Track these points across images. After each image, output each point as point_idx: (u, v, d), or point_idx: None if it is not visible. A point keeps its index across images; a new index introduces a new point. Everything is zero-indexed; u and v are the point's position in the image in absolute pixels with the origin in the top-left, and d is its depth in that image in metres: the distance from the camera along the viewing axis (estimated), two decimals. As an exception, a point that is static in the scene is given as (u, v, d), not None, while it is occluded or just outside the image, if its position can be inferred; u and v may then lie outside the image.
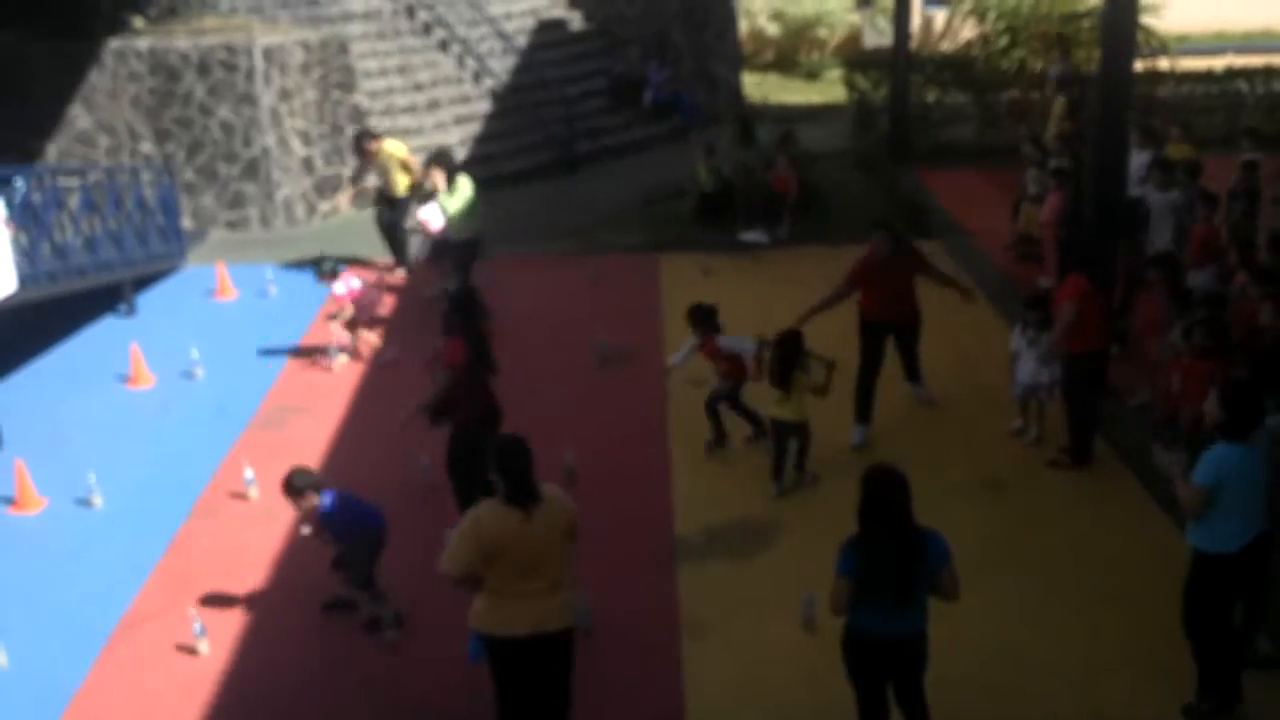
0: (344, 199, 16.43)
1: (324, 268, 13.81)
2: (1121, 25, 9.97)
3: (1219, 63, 19.86)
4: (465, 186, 12.14)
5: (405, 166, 13.77)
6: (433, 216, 12.80)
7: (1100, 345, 9.12)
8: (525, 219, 15.97)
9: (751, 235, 14.76)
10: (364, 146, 13.77)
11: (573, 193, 17.23)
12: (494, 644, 5.79)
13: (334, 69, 16.64)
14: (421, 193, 13.29)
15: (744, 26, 25.35)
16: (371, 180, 14.53)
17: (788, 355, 8.79)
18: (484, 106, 18.55)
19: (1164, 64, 18.10)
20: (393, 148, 13.89)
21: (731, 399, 9.49)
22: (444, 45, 19.09)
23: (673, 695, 6.79)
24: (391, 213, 13.91)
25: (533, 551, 5.64)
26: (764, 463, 9.26)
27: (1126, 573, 7.75)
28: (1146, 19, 15.70)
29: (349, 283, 12.20)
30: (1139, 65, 13.57)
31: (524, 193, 17.19)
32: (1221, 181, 12.90)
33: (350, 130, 16.34)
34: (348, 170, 16.11)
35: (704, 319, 9.47)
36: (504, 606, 5.70)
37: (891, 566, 5.48)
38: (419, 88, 18.37)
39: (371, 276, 13.48)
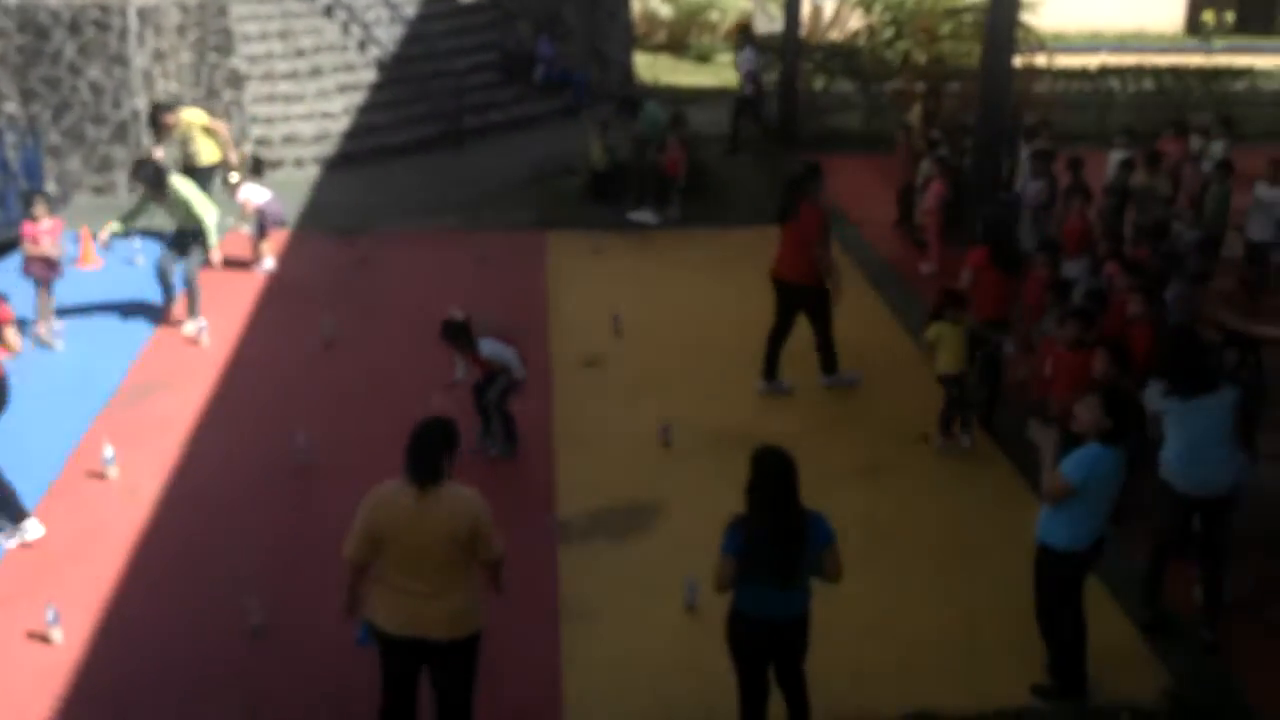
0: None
1: (229, 180, 13.34)
2: (1002, 22, 10.18)
3: (1093, 61, 20.37)
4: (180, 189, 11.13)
5: (207, 133, 13.24)
6: (254, 194, 12.72)
7: (992, 317, 9.33)
8: (410, 193, 15.67)
9: (641, 215, 14.69)
10: (161, 120, 13.13)
11: (459, 167, 16.94)
12: (379, 636, 5.56)
13: (211, 31, 16.05)
14: (247, 166, 13.16)
15: (637, 7, 25.29)
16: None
17: None
18: (369, 76, 18.12)
19: (1041, 60, 18.48)
20: (192, 116, 13.34)
21: (497, 400, 9.03)
22: (329, 11, 18.57)
23: (550, 679, 6.68)
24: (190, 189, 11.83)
25: (419, 545, 5.35)
26: (652, 445, 9.20)
27: (1001, 555, 7.86)
28: (1025, 16, 16.01)
29: (256, 193, 12.27)
30: (1017, 61, 13.82)
31: (409, 166, 16.87)
32: (1092, 176, 13.23)
33: (226, 95, 15.82)
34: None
35: (457, 336, 8.89)
36: (385, 597, 5.48)
37: (775, 548, 5.49)
38: (301, 53, 17.86)
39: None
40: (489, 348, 8.87)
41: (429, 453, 5.44)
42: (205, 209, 11.15)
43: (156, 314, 11.52)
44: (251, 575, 7.53)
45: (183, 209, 11.05)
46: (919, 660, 6.91)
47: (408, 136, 17.63)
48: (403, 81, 18.21)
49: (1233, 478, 6.90)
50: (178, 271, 11.22)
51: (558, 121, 19.08)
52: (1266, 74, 20.23)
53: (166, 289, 11.34)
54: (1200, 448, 6.83)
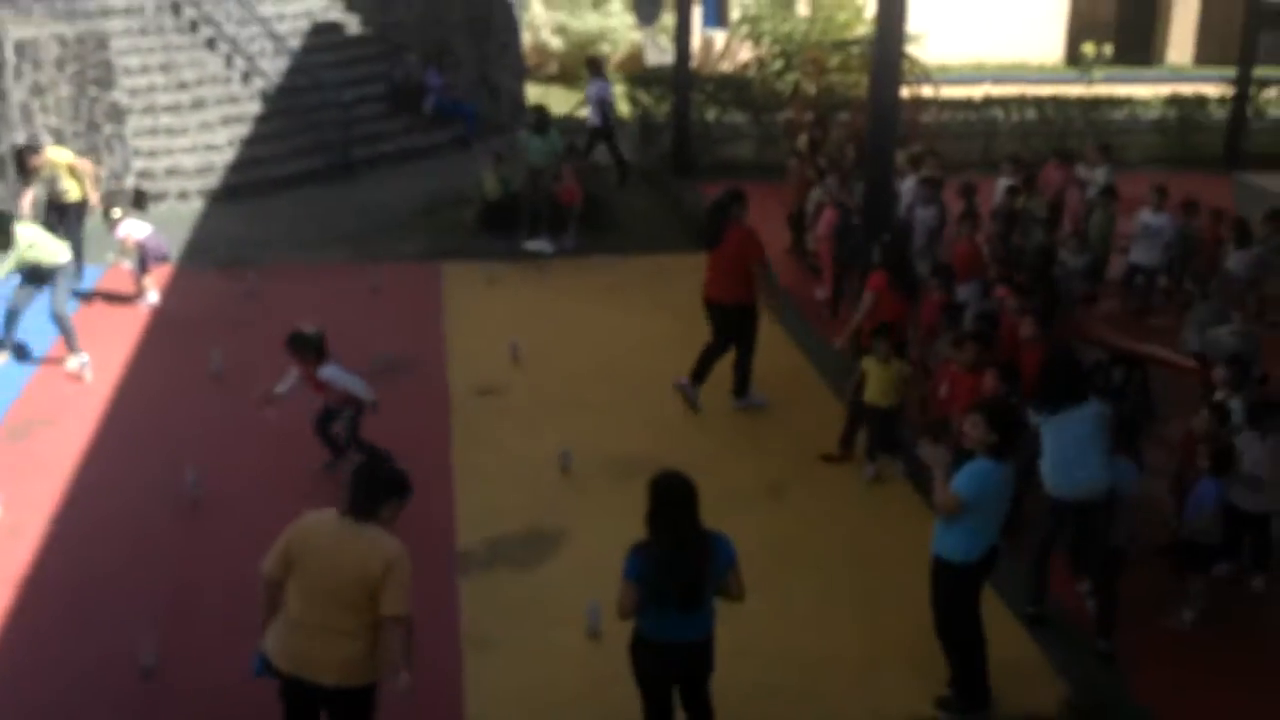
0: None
1: (110, 215, 12.89)
2: (888, 54, 10.38)
3: (977, 92, 20.91)
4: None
5: (73, 171, 12.91)
6: (135, 229, 12.45)
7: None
8: (299, 225, 15.41)
9: (537, 245, 14.64)
10: (28, 163, 12.76)
11: (349, 199, 16.70)
12: (267, 665, 5.34)
13: (91, 64, 15.62)
14: (128, 200, 12.91)
15: (528, 39, 25.29)
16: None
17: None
18: (254, 108, 17.81)
19: (928, 91, 18.93)
20: (56, 155, 13.00)
21: (350, 435, 8.84)
22: (211, 43, 18.25)
23: (453, 709, 6.54)
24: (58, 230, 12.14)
25: (328, 577, 5.10)
26: (552, 472, 9.13)
27: (901, 571, 7.91)
28: (910, 49, 16.40)
29: (137, 228, 12.05)
30: (904, 92, 14.14)
31: (297, 198, 16.60)
32: (983, 203, 13.58)
33: (107, 129, 15.42)
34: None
35: (301, 347, 8.70)
36: (280, 630, 5.27)
37: (678, 571, 5.46)
38: (183, 86, 17.51)
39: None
40: (331, 372, 8.66)
41: (374, 490, 5.26)
42: (51, 251, 10.77)
43: (40, 351, 11.11)
44: (141, 614, 7.29)
45: (35, 252, 10.66)
46: (824, 678, 6.92)
47: (295, 168, 17.34)
48: (288, 113, 17.94)
49: (1102, 484, 7.12)
50: (48, 311, 10.82)
51: (449, 152, 18.95)
52: (1144, 103, 20.97)
53: (10, 323, 10.91)
54: (1069, 455, 7.13)
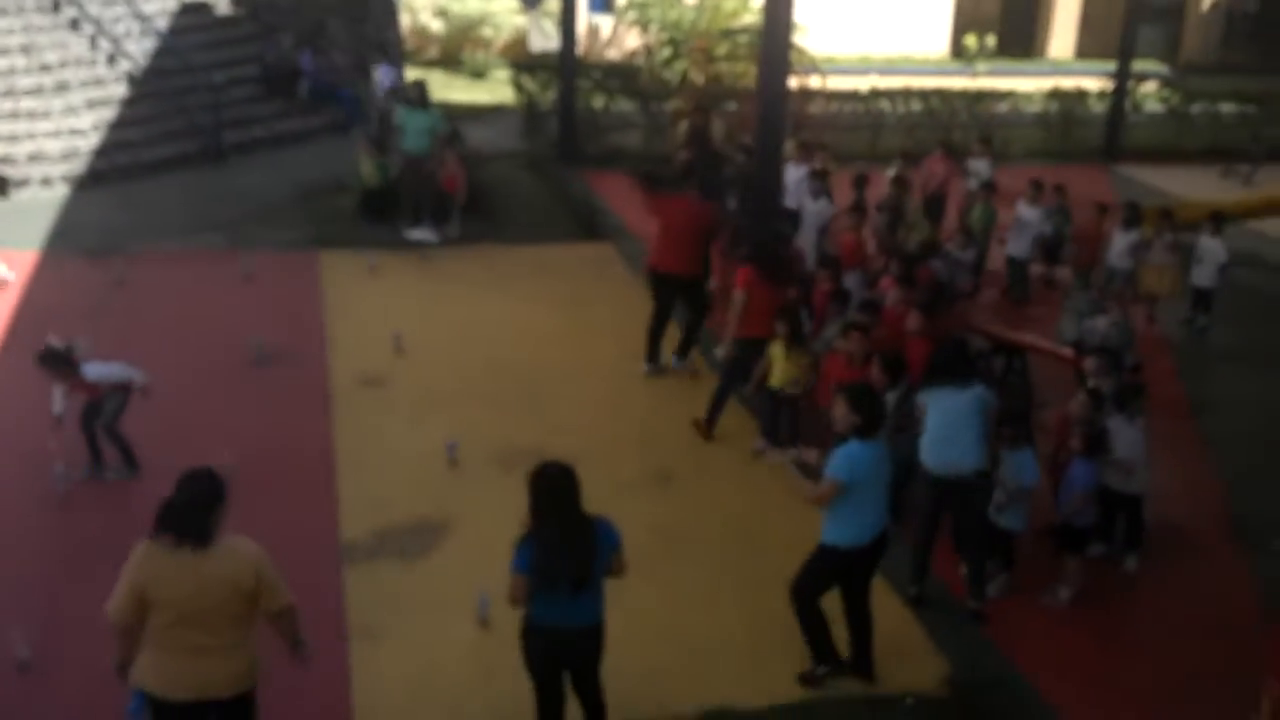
0: None
1: None
2: (776, 43, 10.39)
3: (864, 84, 21.18)
4: None
5: None
6: None
7: (760, 333, 9.39)
8: (169, 211, 14.92)
9: (419, 233, 14.38)
10: None
11: (221, 184, 16.22)
12: (158, 705, 5.11)
13: (-53, 45, 14.92)
14: None
15: (407, 21, 24.85)
16: None
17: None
18: (120, 91, 17.20)
19: (816, 82, 19.10)
20: None
21: (109, 422, 8.56)
22: (74, 24, 17.57)
23: (340, 701, 6.39)
24: None
25: (198, 606, 4.96)
26: (438, 463, 8.98)
27: (789, 554, 7.90)
28: (797, 39, 16.53)
29: None
30: (793, 82, 14.24)
31: (167, 183, 16.08)
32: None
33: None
34: None
35: (55, 364, 8.31)
36: (160, 662, 5.05)
37: (566, 559, 5.46)
38: (46, 68, 16.82)
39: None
40: (95, 370, 8.40)
41: (195, 514, 5.05)
42: None
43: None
44: (15, 608, 7.02)
45: None
46: (712, 660, 6.93)
47: (164, 153, 16.79)
48: (157, 96, 17.37)
49: (971, 463, 7.36)
50: None
51: (326, 138, 18.53)
52: (1027, 96, 21.45)
53: None
54: (947, 433, 7.35)
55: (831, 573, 6.65)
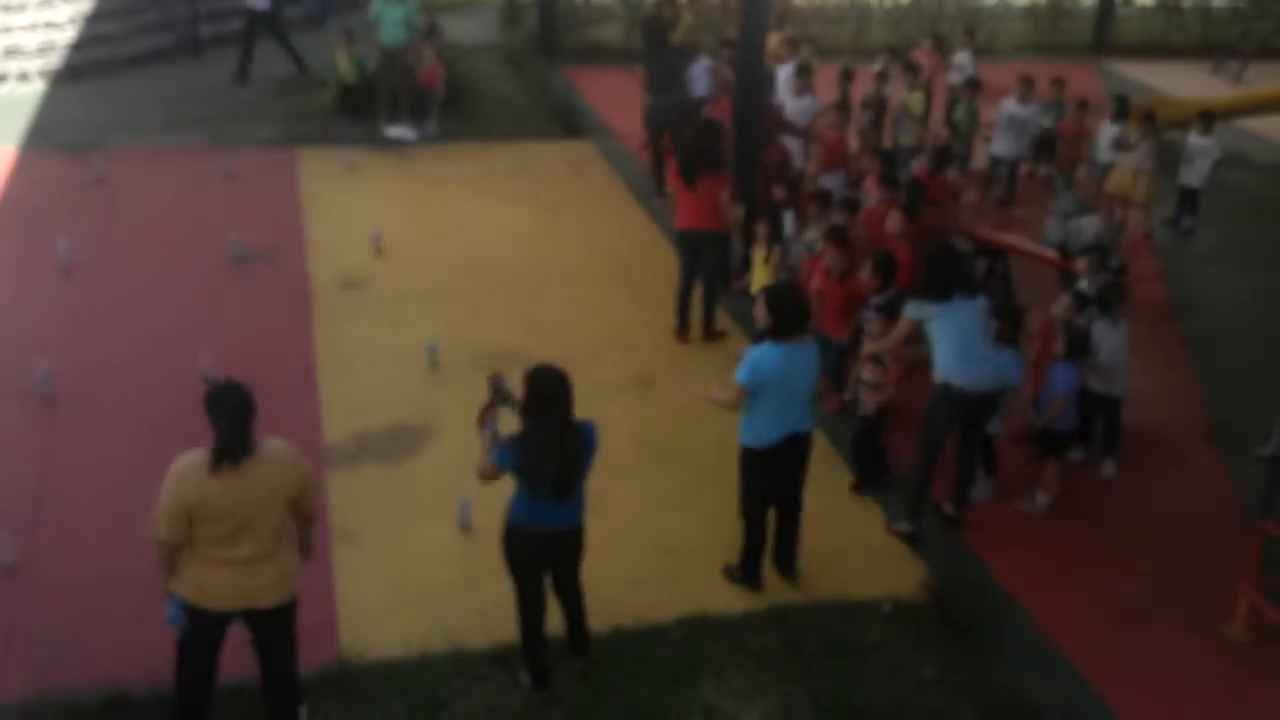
0: None
1: None
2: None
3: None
4: None
5: None
6: None
7: (689, 225, 9.44)
8: (147, 107, 14.61)
9: (398, 131, 14.15)
10: None
11: (199, 80, 15.89)
12: (193, 613, 5.12)
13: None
14: None
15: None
16: None
17: None
18: (95, -18, 16.74)
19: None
20: None
21: None
22: (47, -89, 17.00)
23: (324, 603, 6.44)
24: None
25: (241, 515, 4.95)
26: (419, 366, 8.96)
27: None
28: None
29: None
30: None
31: (144, 78, 15.73)
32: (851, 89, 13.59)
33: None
34: None
35: None
36: (204, 572, 5.04)
37: (555, 461, 5.47)
38: (18, -42, 16.32)
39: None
40: None
41: (241, 427, 4.98)
42: None
43: None
44: (0, 510, 7.03)
45: None
46: (691, 566, 7.00)
47: (141, 47, 16.41)
48: (133, -13, 16.93)
49: (998, 376, 7.21)
50: None
51: (302, 31, 18.08)
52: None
53: None
54: (970, 346, 7.07)
55: (754, 474, 6.61)
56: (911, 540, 7.34)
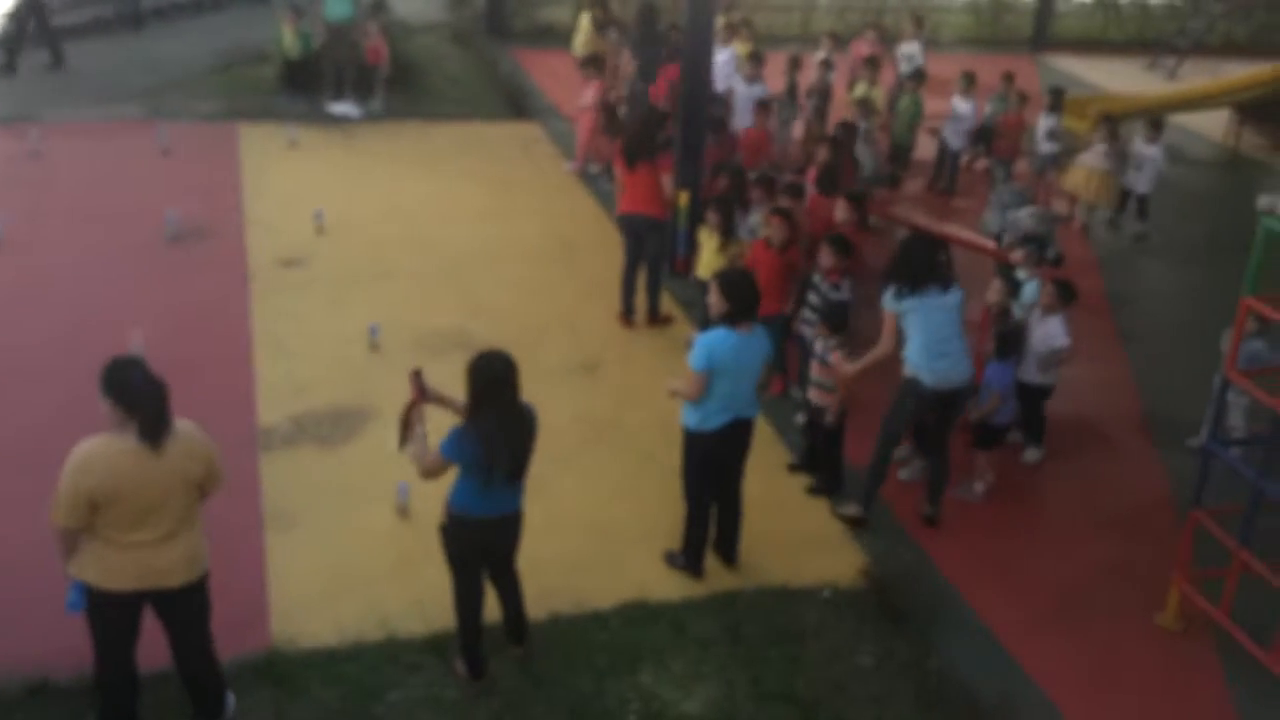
0: None
1: None
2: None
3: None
4: None
5: None
6: None
7: (629, 210, 9.49)
8: (85, 79, 14.34)
9: (342, 107, 13.98)
10: None
11: (139, 52, 15.61)
12: (97, 596, 4.99)
13: None
14: None
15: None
16: None
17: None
18: (32, -51, 16.30)
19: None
20: None
21: None
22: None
23: (255, 589, 6.35)
24: None
25: (151, 498, 4.84)
26: (359, 347, 8.85)
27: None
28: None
29: None
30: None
31: (82, 49, 15.42)
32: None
33: None
34: None
35: None
36: (108, 555, 4.91)
37: (504, 451, 5.40)
38: (-50, -79, 15.87)
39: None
40: None
41: (163, 406, 4.87)
42: None
43: None
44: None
45: None
46: (631, 551, 6.97)
47: (79, 18, 16.12)
48: (71, -43, 16.55)
49: (970, 371, 7.24)
50: None
51: (245, 5, 17.84)
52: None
53: None
54: (941, 341, 7.04)
55: (697, 458, 6.59)
56: (858, 525, 7.37)
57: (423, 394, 5.66)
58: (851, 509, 7.43)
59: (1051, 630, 6.70)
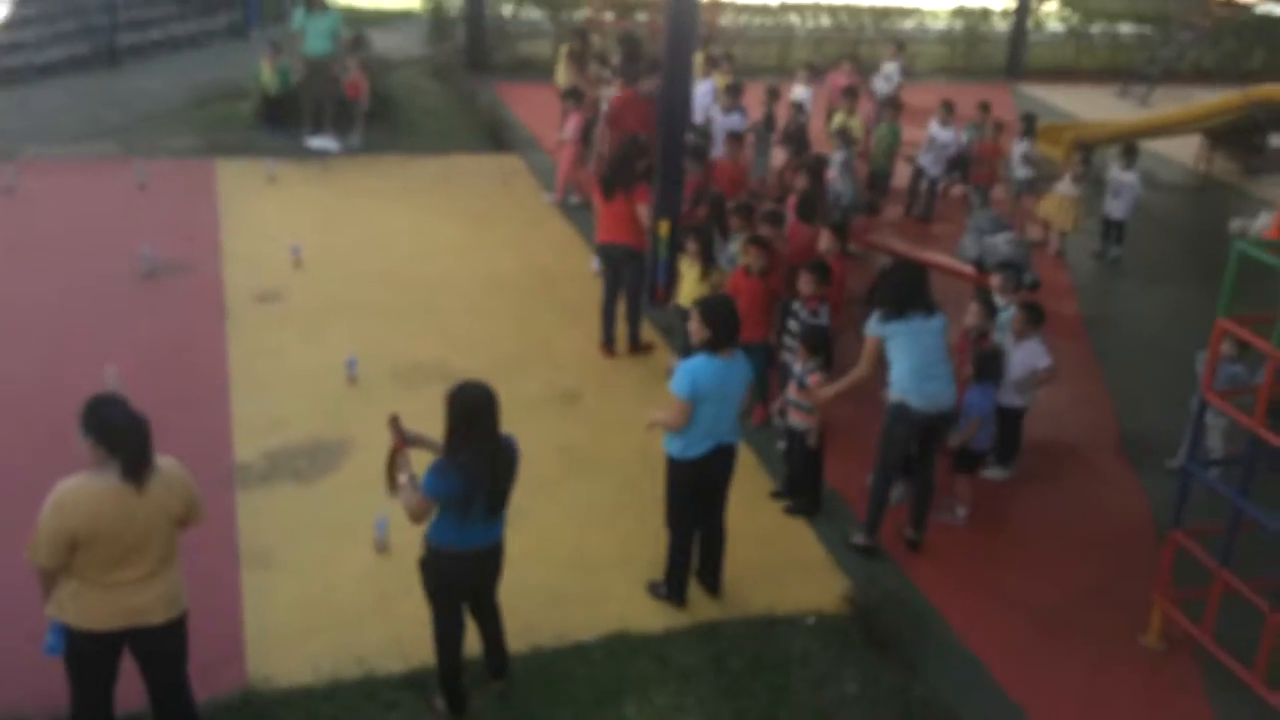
0: None
1: None
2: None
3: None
4: None
5: None
6: None
7: (608, 239, 9.49)
8: (61, 116, 14.31)
9: (321, 142, 13.98)
10: None
11: (116, 89, 15.59)
12: (77, 637, 4.91)
13: None
14: None
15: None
16: None
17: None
18: (9, -12, 16.36)
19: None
20: None
21: None
22: (-43, -85, 16.61)
23: (231, 628, 6.27)
24: None
25: (133, 538, 4.77)
26: (337, 380, 8.80)
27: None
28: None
29: None
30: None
31: (59, 87, 15.42)
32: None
33: None
34: None
35: None
36: (92, 596, 4.83)
37: (487, 481, 5.36)
38: (-74, -39, 15.92)
39: None
40: None
41: (146, 444, 4.82)
42: None
43: None
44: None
45: None
46: (613, 582, 6.92)
47: (57, 55, 16.09)
48: (49, -5, 16.59)
49: (954, 396, 7.26)
50: None
51: (224, 41, 17.89)
52: (932, 13, 21.54)
53: None
54: (928, 365, 7.08)
55: (681, 486, 6.56)
56: (869, 554, 7.36)
57: (403, 439, 5.61)
58: (859, 539, 7.43)
59: (1036, 653, 6.67)
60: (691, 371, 6.33)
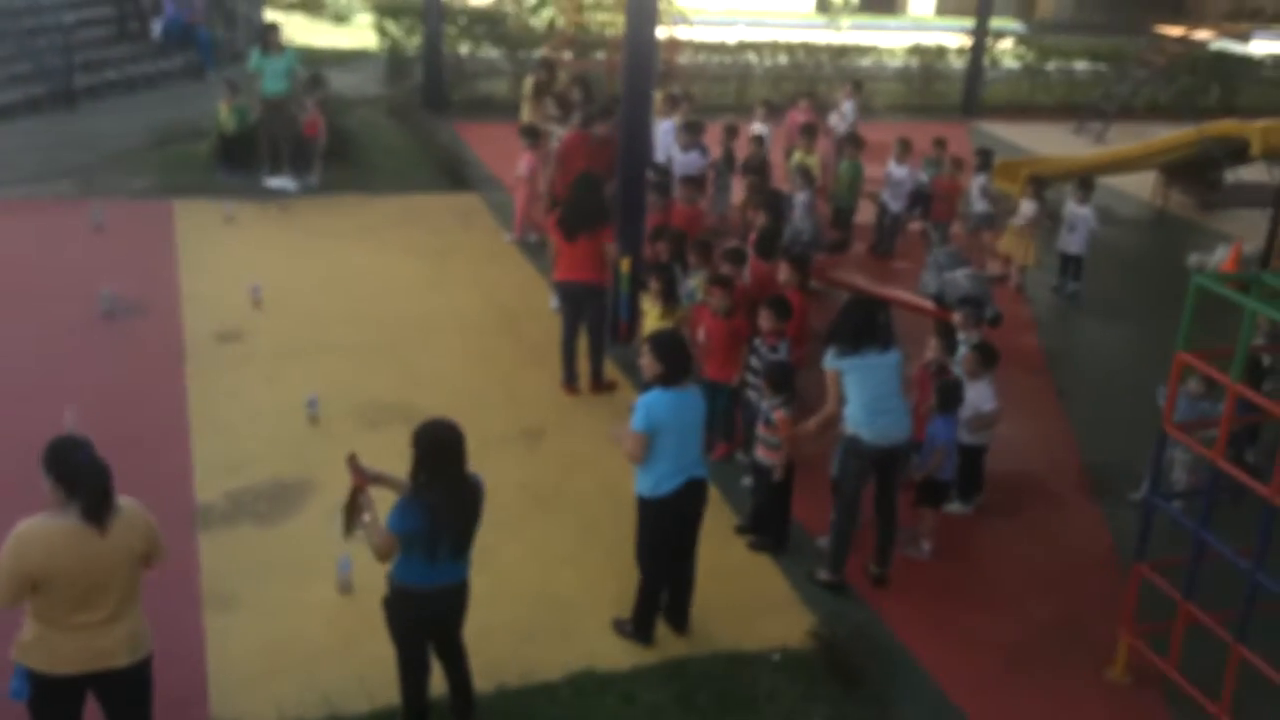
0: None
1: None
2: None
3: (732, 36, 21.23)
4: None
5: None
6: None
7: (566, 277, 9.43)
8: (16, 158, 14.19)
9: (279, 182, 13.92)
10: None
11: (72, 130, 15.48)
12: (41, 682, 4.83)
13: None
14: None
15: (267, -36, 23.91)
16: None
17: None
18: (-39, 29, 16.23)
19: (683, 33, 19.05)
20: None
21: None
22: (-90, -44, 16.51)
23: (194, 669, 6.17)
24: None
25: (95, 578, 4.72)
26: (298, 420, 8.72)
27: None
28: (666, -8, 16.52)
29: None
30: (662, 32, 14.13)
31: (14, 129, 15.31)
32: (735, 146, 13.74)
33: None
34: None
35: None
36: (55, 639, 4.76)
37: (453, 519, 5.34)
38: (-121, 2, 15.78)
39: None
40: None
41: (107, 486, 4.76)
42: None
43: None
44: None
45: None
46: (581, 619, 6.88)
47: (11, 97, 15.98)
48: (3, 37, 16.46)
49: (908, 431, 7.30)
50: None
51: (181, 82, 17.84)
52: (889, 52, 21.80)
53: None
54: (881, 399, 7.14)
55: (653, 527, 6.54)
56: (835, 589, 7.35)
57: (363, 477, 5.56)
58: (824, 575, 7.42)
59: (1003, 688, 6.67)
60: (647, 405, 6.36)
